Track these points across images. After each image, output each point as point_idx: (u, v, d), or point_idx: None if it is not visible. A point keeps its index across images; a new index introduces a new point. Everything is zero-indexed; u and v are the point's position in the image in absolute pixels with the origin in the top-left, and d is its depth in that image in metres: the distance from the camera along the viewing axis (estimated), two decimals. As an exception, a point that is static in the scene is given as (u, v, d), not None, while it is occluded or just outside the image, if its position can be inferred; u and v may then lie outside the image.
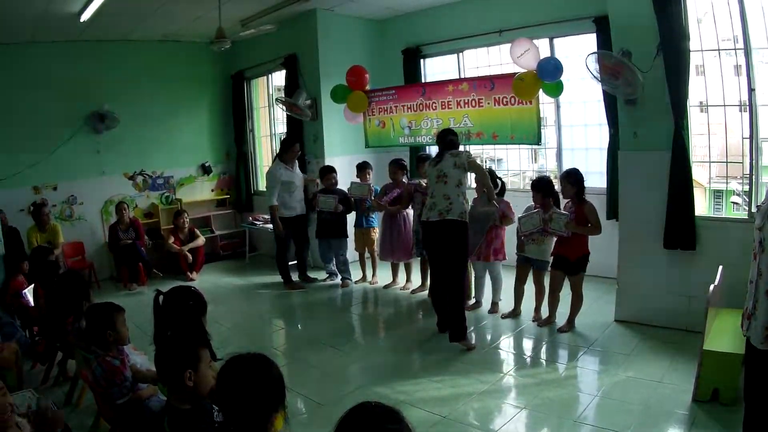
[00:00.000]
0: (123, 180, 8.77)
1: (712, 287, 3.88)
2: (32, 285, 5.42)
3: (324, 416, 3.92)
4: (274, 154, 9.52)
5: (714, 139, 5.08)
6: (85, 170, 8.35)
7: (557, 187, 5.46)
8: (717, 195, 5.88)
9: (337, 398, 4.22)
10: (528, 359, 4.90)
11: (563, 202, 5.36)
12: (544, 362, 4.78)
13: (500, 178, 5.85)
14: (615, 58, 4.86)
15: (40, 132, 7.83)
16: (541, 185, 5.41)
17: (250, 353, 2.18)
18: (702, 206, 5.19)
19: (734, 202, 5.65)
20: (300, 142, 7.48)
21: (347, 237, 7.30)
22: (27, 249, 6.91)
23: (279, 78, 9.05)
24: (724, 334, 3.95)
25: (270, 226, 8.11)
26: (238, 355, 2.17)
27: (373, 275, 7.36)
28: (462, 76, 7.66)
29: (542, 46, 6.37)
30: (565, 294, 5.41)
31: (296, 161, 7.25)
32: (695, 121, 5.08)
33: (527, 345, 5.19)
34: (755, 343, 2.60)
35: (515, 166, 8.10)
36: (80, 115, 8.16)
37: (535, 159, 8.74)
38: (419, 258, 6.70)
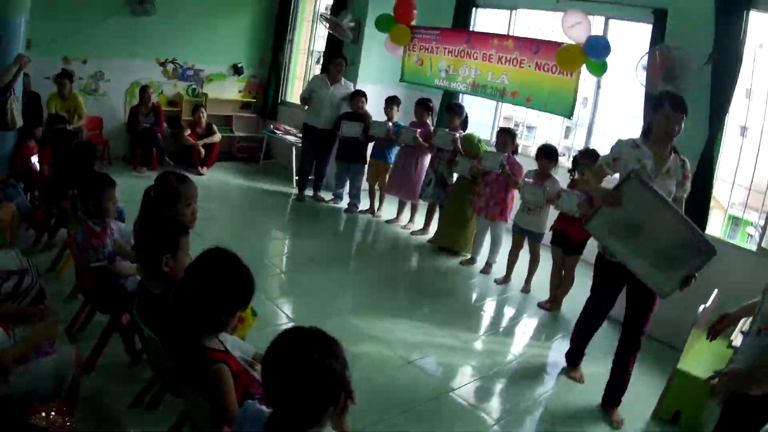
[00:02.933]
0: (154, 65, 8.68)
1: (702, 308, 3.80)
2: (40, 151, 5.45)
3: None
4: (309, 69, 9.49)
5: (743, 165, 4.94)
6: (118, 50, 8.23)
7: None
8: (734, 222, 5.75)
9: (311, 319, 4.15)
10: (505, 328, 4.91)
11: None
12: (519, 335, 4.80)
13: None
14: (661, 52, 4.74)
15: (79, 4, 7.69)
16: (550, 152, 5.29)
17: (229, 250, 2.15)
18: (717, 228, 5.08)
19: (749, 234, 5.54)
20: (344, 59, 7.35)
21: (366, 163, 7.26)
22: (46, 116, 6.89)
23: (329, -6, 8.83)
24: (701, 359, 3.84)
25: (288, 137, 8.26)
26: (216, 248, 2.14)
27: (379, 208, 7.38)
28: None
29: (596, 24, 6.14)
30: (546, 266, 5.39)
31: (342, 80, 7.27)
32: (729, 141, 4.91)
33: (508, 313, 5.20)
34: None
35: (545, 137, 7.95)
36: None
37: (567, 135, 8.61)
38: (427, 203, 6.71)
